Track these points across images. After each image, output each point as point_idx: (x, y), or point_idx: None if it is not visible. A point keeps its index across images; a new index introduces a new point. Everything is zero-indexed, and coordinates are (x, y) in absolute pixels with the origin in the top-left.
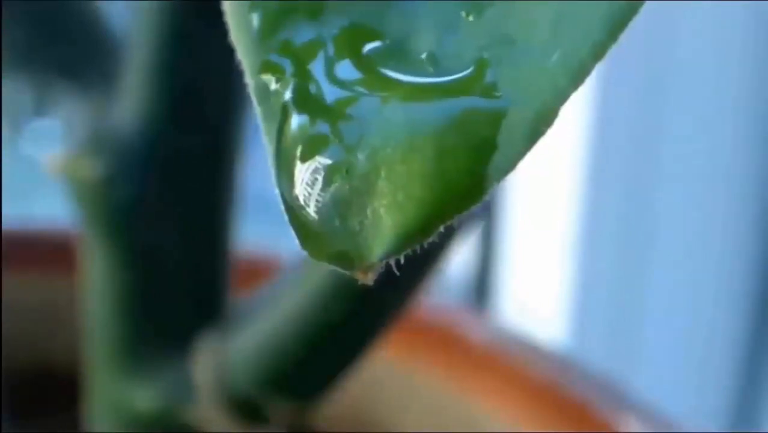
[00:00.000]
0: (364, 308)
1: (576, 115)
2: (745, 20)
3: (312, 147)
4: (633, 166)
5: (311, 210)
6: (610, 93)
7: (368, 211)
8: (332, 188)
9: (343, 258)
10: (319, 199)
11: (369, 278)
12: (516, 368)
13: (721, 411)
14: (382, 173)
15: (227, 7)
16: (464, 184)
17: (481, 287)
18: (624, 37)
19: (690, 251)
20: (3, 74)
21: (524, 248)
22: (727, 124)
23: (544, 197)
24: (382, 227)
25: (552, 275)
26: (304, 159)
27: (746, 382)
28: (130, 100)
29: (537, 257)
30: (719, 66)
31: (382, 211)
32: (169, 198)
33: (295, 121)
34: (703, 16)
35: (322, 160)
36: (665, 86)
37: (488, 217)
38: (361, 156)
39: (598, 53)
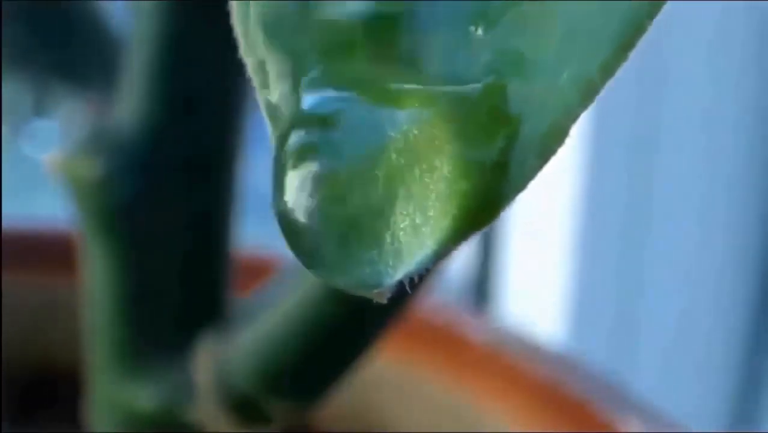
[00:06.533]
0: (364, 309)
1: None
2: (745, 20)
3: (311, 161)
4: (633, 167)
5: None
6: (609, 93)
7: (387, 236)
8: (349, 210)
9: (362, 286)
10: (327, 223)
11: (383, 297)
12: (516, 368)
13: (721, 411)
14: (400, 194)
15: (233, 7)
16: (479, 204)
17: (481, 287)
18: None
19: (690, 251)
20: (3, 74)
21: (524, 249)
22: (727, 125)
23: (544, 197)
24: (402, 252)
25: (552, 275)
26: (313, 188)
27: (746, 382)
28: (129, 101)
29: (537, 257)
30: (719, 66)
31: (401, 235)
32: (169, 198)
33: (294, 137)
34: (703, 16)
35: (326, 179)
36: (665, 87)
37: None
38: (379, 174)
39: (607, 71)
